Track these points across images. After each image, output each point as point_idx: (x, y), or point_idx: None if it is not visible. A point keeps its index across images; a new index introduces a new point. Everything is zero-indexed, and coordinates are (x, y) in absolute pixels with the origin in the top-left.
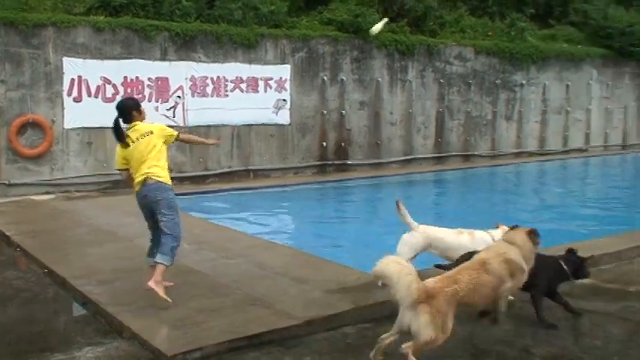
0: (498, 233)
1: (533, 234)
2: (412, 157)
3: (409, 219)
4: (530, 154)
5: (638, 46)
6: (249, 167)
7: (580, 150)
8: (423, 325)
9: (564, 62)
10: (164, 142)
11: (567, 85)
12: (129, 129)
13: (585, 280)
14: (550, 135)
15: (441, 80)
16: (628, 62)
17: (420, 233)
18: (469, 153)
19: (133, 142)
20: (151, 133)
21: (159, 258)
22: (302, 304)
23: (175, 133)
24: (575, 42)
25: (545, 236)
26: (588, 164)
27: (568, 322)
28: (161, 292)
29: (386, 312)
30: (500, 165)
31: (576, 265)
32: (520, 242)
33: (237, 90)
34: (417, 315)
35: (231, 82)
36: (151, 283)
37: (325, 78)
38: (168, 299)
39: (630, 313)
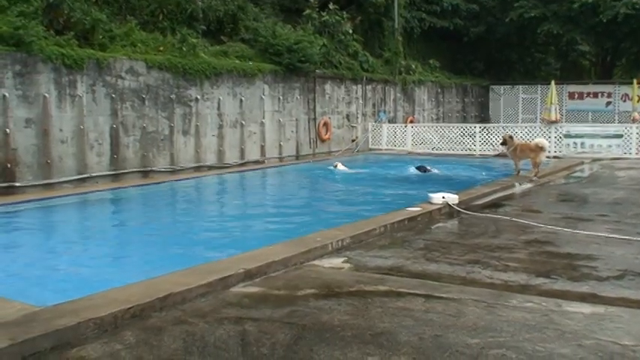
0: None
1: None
2: (87, 175)
3: None
4: (210, 167)
5: (304, 62)
6: None
7: (257, 162)
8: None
9: (237, 78)
10: None
11: (241, 100)
12: None
13: (254, 289)
14: (227, 148)
15: (114, 95)
16: (297, 78)
17: None
18: (148, 169)
19: None
20: None
21: None
22: None
23: None
24: (246, 58)
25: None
26: (265, 175)
27: (237, 332)
28: None
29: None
30: (181, 180)
31: None
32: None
33: None
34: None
35: None
36: None
37: None
38: None
39: (296, 318)
